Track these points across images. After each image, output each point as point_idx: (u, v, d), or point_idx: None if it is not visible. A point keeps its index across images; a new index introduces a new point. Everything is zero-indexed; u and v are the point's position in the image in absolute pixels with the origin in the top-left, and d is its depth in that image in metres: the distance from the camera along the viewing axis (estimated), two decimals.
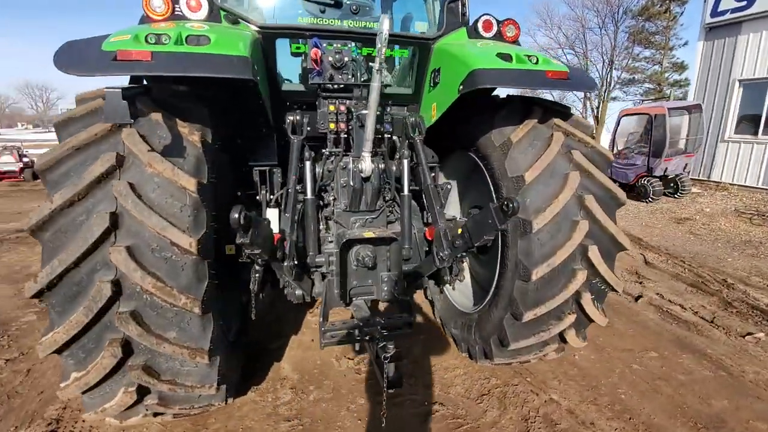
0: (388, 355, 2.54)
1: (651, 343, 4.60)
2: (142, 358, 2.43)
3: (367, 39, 3.54)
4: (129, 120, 2.22)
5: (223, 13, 3.15)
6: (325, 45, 3.19)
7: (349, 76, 3.25)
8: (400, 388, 2.58)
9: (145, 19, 2.99)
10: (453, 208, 4.60)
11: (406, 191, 3.50)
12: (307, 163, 3.27)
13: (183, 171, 2.43)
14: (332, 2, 3.32)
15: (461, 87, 3.05)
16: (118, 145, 2.41)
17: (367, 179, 3.20)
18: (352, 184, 3.15)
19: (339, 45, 3.21)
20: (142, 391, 2.53)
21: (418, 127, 3.52)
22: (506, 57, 3.05)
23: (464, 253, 3.38)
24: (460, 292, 4.40)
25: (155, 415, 2.77)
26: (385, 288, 3.33)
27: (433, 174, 4.05)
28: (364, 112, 3.15)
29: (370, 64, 3.91)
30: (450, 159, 4.31)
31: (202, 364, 2.57)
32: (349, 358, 4.17)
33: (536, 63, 3.08)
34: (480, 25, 3.59)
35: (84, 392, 2.44)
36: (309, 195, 3.31)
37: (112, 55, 2.28)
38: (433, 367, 4.06)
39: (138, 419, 2.73)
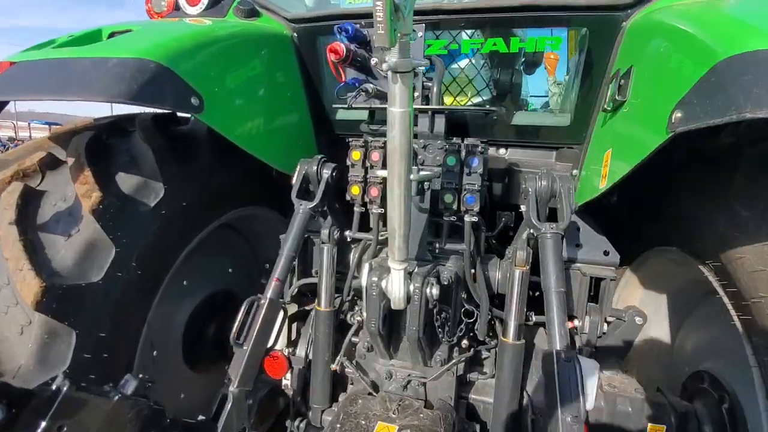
0: None
1: None
2: None
3: (480, 21, 1.82)
4: None
5: (235, 3, 2.03)
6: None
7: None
8: None
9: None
10: (651, 365, 2.26)
11: (511, 336, 1.61)
12: (326, 249, 1.82)
13: (34, 271, 1.37)
14: None
15: (676, 115, 1.03)
16: None
17: (398, 313, 1.52)
18: (371, 317, 1.53)
19: None
20: None
21: (558, 204, 1.55)
22: None
23: None
24: None
25: None
26: None
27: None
28: (380, 173, 1.49)
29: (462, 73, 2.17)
30: (650, 260, 2.08)
31: None
32: None
33: None
34: None
35: None
36: (323, 306, 1.85)
37: None
38: None
39: None
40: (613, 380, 1.97)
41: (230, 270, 2.71)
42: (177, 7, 2.07)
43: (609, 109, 1.55)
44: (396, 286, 1.40)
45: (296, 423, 1.97)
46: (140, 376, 1.32)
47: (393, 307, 1.47)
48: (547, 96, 2.78)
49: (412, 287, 1.43)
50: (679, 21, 1.20)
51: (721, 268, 1.42)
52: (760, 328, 1.21)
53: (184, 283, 2.20)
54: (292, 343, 2.14)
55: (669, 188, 1.75)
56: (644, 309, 2.03)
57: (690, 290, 2.10)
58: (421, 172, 1.49)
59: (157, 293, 1.84)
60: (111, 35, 1.55)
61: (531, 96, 2.66)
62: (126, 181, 1.68)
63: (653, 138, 1.14)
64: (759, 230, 1.21)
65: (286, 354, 2.10)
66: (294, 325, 2.16)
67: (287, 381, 2.17)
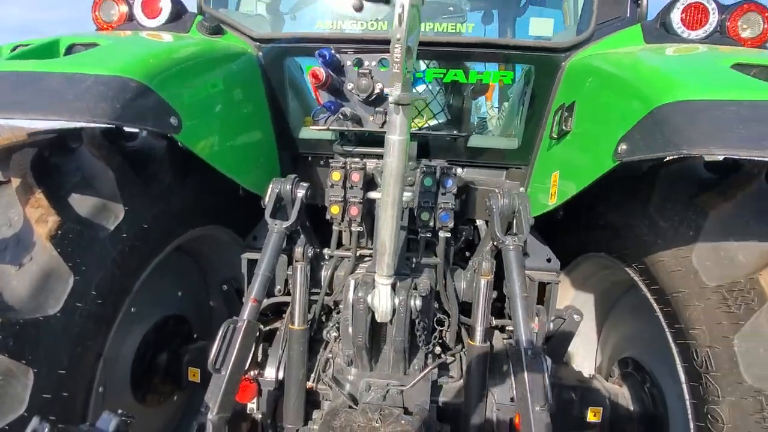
0: None
1: None
2: None
3: (443, 53, 2.00)
4: None
5: (198, 19, 2.00)
6: (350, 62, 1.77)
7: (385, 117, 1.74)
8: None
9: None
10: (584, 356, 2.59)
11: (477, 340, 1.77)
12: (299, 267, 1.84)
13: None
14: None
15: (622, 147, 1.28)
16: None
17: (378, 325, 1.62)
18: (357, 331, 1.60)
19: (372, 63, 1.74)
20: None
21: (517, 219, 1.77)
22: (760, 76, 1.20)
23: None
24: None
25: None
26: None
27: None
28: (373, 195, 1.59)
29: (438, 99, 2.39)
30: (582, 265, 2.40)
31: None
32: None
33: None
34: (678, 15, 1.71)
35: None
36: (296, 324, 1.85)
37: None
38: None
39: None
40: (559, 372, 2.24)
41: (179, 294, 2.57)
42: (131, 18, 1.96)
43: (555, 136, 1.81)
44: (383, 300, 1.49)
45: None
46: (119, 411, 1.24)
47: (379, 320, 1.55)
48: (491, 118, 3.09)
49: (397, 300, 1.52)
50: (617, 68, 1.48)
51: (644, 269, 1.72)
52: (678, 316, 1.50)
53: (132, 310, 2.05)
54: (258, 365, 2.09)
55: (598, 201, 2.06)
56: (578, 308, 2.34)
57: (613, 290, 2.46)
58: (406, 194, 1.60)
59: (114, 323, 1.71)
60: (71, 47, 1.44)
61: (479, 117, 2.93)
62: (82, 203, 1.56)
63: (601, 164, 1.38)
64: (677, 237, 1.51)
65: (253, 376, 2.05)
66: (260, 347, 2.12)
67: (253, 405, 2.11)
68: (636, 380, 2.15)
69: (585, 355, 2.69)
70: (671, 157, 1.74)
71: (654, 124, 1.16)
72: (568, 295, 2.65)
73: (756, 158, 1.02)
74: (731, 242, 1.35)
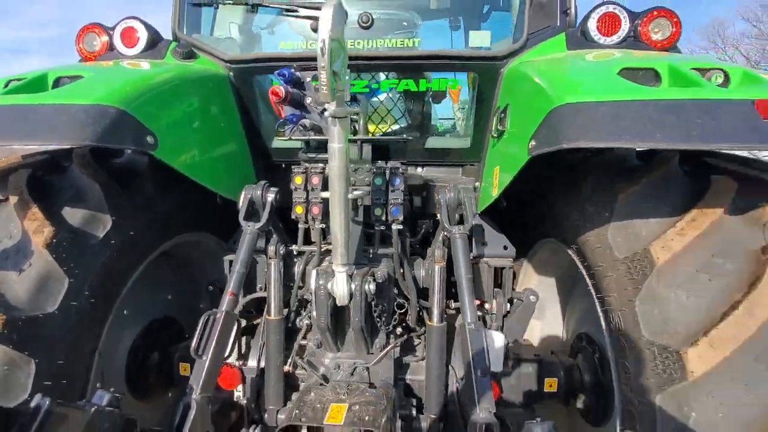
0: None
1: None
2: None
3: (393, 66, 2.22)
4: None
5: (172, 45, 2.22)
6: (309, 78, 1.98)
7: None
8: None
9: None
10: (551, 336, 2.80)
11: (435, 320, 1.97)
12: (273, 264, 2.04)
13: None
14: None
15: (532, 143, 1.49)
16: None
17: (342, 310, 1.82)
18: (320, 314, 1.81)
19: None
20: None
21: (462, 211, 1.98)
22: (645, 77, 1.42)
23: None
24: None
25: None
26: None
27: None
28: (323, 195, 1.80)
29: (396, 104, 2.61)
30: (539, 251, 2.61)
31: None
32: None
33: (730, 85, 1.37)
34: (594, 23, 1.94)
35: None
36: (273, 315, 2.05)
37: None
38: None
39: None
40: (518, 348, 2.45)
41: (169, 297, 2.76)
42: (111, 48, 2.17)
43: (495, 136, 2.03)
44: (340, 286, 1.70)
45: (251, 429, 2.12)
46: (111, 389, 1.43)
47: (338, 303, 1.75)
48: (453, 119, 3.31)
49: (353, 286, 1.73)
50: (534, 74, 1.69)
51: (579, 249, 1.93)
52: (599, 287, 1.72)
53: (125, 312, 2.24)
54: (242, 356, 2.29)
55: (546, 192, 2.28)
56: (539, 291, 2.55)
57: (569, 272, 2.67)
58: (355, 192, 1.81)
59: (107, 321, 1.91)
60: (57, 80, 1.65)
61: (439, 119, 3.15)
62: (74, 215, 1.76)
63: (522, 159, 1.60)
64: (598, 219, 1.72)
65: (237, 366, 2.25)
66: (243, 339, 2.32)
67: (239, 393, 2.31)
68: (588, 352, 2.36)
69: (552, 335, 2.90)
70: (562, 148, 1.97)
71: (550, 124, 1.38)
72: (532, 280, 2.86)
73: (614, 146, 1.23)
74: (636, 220, 1.57)
